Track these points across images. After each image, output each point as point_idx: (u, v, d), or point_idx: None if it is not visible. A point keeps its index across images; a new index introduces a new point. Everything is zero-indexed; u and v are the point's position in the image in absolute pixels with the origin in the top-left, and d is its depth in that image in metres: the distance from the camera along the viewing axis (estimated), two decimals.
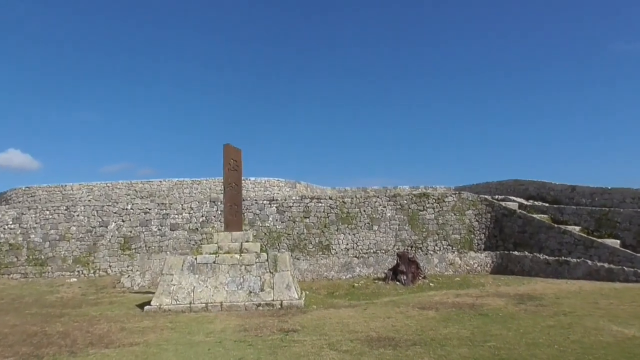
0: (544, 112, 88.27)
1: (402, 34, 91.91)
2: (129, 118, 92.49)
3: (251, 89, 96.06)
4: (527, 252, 20.02)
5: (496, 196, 26.30)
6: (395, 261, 18.53)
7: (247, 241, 13.57)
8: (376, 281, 18.43)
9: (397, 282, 17.82)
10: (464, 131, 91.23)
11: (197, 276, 12.42)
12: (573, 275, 17.13)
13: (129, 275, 19.59)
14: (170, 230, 22.71)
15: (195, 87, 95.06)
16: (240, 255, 12.73)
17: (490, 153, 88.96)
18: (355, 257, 20.93)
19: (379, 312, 10.28)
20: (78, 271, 21.70)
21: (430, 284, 17.45)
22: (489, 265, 20.65)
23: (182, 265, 12.56)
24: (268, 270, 12.49)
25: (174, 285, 12.31)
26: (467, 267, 20.62)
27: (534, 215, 21.64)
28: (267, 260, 12.60)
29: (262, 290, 12.23)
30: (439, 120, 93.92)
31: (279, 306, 11.84)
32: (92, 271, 21.73)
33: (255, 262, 12.56)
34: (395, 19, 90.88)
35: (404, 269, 17.95)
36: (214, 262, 12.56)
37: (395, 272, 18.14)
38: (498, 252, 20.74)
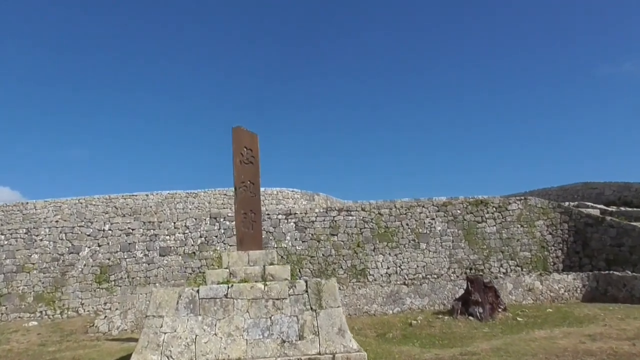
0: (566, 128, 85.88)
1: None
2: (118, 149, 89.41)
3: (252, 92, 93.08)
4: (629, 272, 16.36)
5: (566, 203, 22.65)
6: (466, 288, 14.85)
7: (271, 263, 9.96)
8: (439, 316, 14.72)
9: (470, 317, 14.12)
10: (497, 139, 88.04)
11: (200, 318, 8.75)
12: None
13: (105, 316, 15.96)
14: (160, 255, 19.06)
15: (185, 93, 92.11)
16: (265, 285, 9.08)
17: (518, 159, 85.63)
18: (404, 284, 17.22)
19: None
20: (41, 312, 17.97)
21: (518, 318, 13.74)
22: (579, 290, 16.93)
23: (178, 302, 8.89)
24: (309, 307, 8.83)
25: (165, 333, 8.63)
26: (551, 294, 16.89)
27: (635, 224, 17.94)
28: (307, 290, 8.95)
29: (301, 337, 8.55)
30: (461, 131, 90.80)
31: None
32: (58, 311, 18.01)
33: (289, 295, 8.91)
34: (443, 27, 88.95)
35: (479, 299, 14.27)
36: (226, 296, 8.91)
37: (466, 303, 14.45)
38: (591, 273, 17.03)
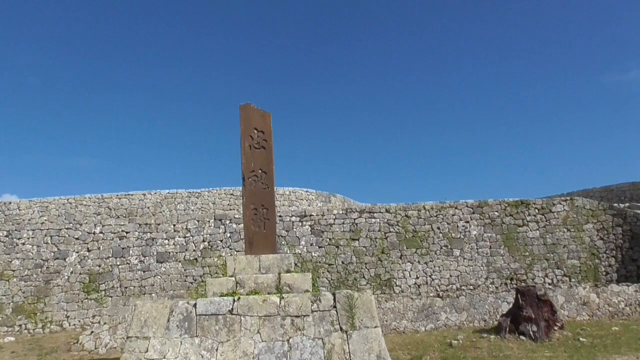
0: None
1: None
2: (124, 152, 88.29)
3: (257, 91, 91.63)
4: None
5: (614, 204, 20.70)
6: (515, 301, 12.99)
7: (287, 271, 8.21)
8: (483, 335, 12.86)
9: (522, 337, 12.25)
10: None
11: (197, 340, 7.01)
12: None
13: (92, 331, 14.30)
14: (157, 262, 17.37)
15: (184, 95, 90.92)
16: (281, 298, 7.32)
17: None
18: (437, 296, 15.39)
19: None
20: (20, 325, 16.34)
21: (580, 339, 11.85)
22: None
23: (169, 320, 7.16)
24: (338, 327, 7.05)
25: (152, 359, 6.89)
26: (610, 308, 14.98)
27: None
28: (335, 305, 7.17)
29: None
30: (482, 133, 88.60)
31: None
32: (40, 325, 16.36)
33: (312, 311, 7.14)
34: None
35: (532, 315, 12.40)
36: (231, 312, 7.16)
37: (516, 320, 12.59)
38: None
